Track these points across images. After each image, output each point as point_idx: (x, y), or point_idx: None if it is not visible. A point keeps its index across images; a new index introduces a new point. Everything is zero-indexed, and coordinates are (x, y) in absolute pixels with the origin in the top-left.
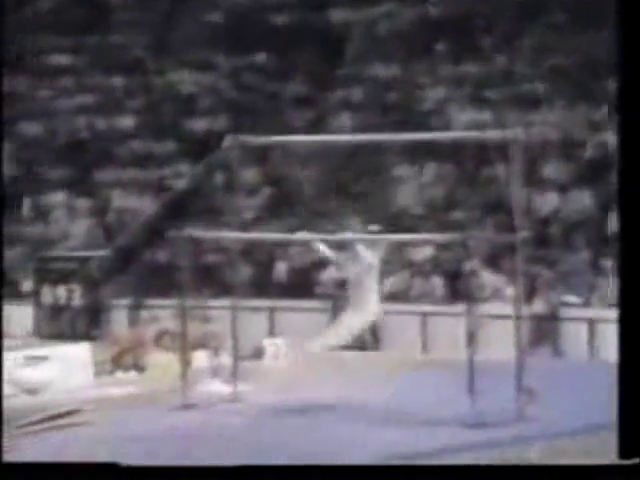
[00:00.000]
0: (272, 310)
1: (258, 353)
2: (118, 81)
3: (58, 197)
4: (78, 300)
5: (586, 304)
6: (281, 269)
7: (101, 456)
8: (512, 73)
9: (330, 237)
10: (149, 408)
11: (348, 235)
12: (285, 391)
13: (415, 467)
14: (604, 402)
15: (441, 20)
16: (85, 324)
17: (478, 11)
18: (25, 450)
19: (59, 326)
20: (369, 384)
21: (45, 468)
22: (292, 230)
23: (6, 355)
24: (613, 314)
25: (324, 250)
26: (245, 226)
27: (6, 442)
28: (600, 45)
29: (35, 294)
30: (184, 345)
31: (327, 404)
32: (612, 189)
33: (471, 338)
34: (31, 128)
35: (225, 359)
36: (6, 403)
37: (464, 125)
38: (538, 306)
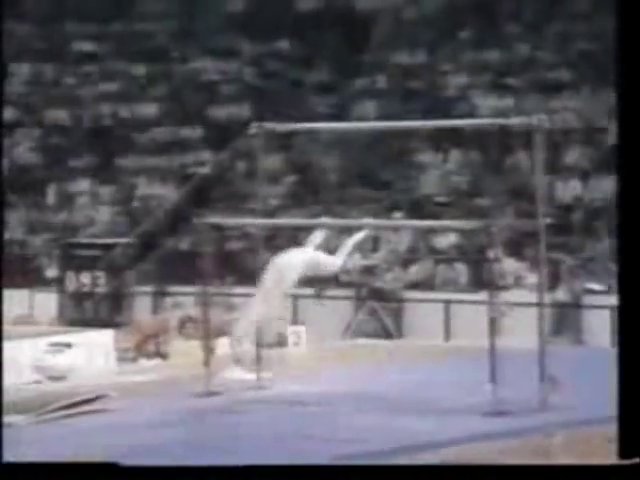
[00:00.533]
0: (295, 298)
1: (281, 341)
2: (141, 69)
3: (82, 184)
4: (102, 287)
5: (609, 291)
6: None
7: (123, 443)
8: (535, 60)
9: (352, 222)
10: (172, 395)
11: (370, 221)
12: (307, 379)
13: (415, 467)
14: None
15: (465, 7)
16: (109, 311)
17: None
18: (49, 437)
19: (83, 313)
20: (391, 372)
21: (45, 468)
22: (315, 217)
23: (31, 342)
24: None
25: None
26: (268, 213)
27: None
28: None
29: (59, 281)
30: (207, 332)
31: (349, 392)
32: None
33: (494, 326)
34: (56, 115)
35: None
36: (32, 389)
37: (487, 112)
38: (561, 294)
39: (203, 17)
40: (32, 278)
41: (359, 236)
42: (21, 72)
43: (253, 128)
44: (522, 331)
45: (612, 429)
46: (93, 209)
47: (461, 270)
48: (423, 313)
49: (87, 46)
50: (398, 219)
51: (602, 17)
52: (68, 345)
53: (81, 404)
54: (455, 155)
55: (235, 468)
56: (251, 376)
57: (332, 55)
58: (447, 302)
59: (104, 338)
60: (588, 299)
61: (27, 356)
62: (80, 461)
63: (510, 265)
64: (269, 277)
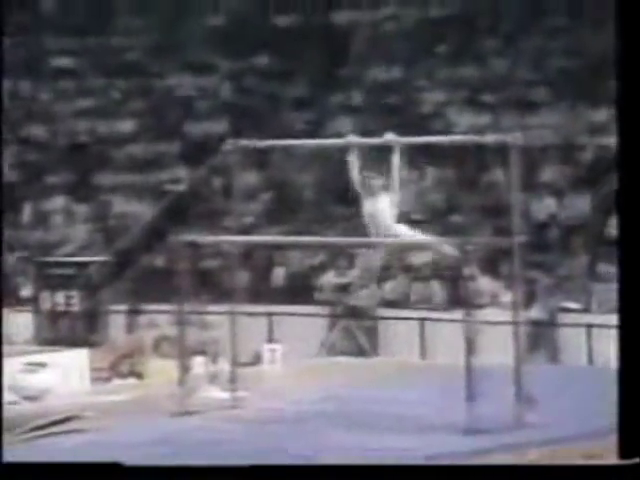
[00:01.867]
0: (270, 315)
1: (257, 359)
2: (118, 84)
3: (58, 202)
4: (77, 306)
5: (585, 310)
6: (280, 274)
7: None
8: (511, 76)
9: (330, 240)
10: (147, 415)
11: (347, 239)
12: (283, 397)
13: (415, 467)
14: (603, 408)
15: (442, 22)
16: (84, 330)
17: (478, 14)
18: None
19: (58, 332)
20: (367, 390)
21: (45, 468)
22: (292, 235)
23: (6, 362)
24: (612, 320)
25: None
26: (244, 231)
27: (6, 448)
28: (600, 47)
29: (34, 300)
30: (182, 351)
31: (324, 410)
32: (611, 193)
33: (469, 344)
34: (32, 131)
35: (224, 365)
36: (6, 410)
37: (464, 129)
38: (536, 312)
39: (180, 32)
40: (7, 297)
41: None
42: None
43: (229, 144)
44: (498, 349)
45: (588, 445)
46: (69, 227)
47: (436, 288)
48: (398, 331)
49: (64, 61)
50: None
51: (579, 33)
52: (43, 365)
53: (56, 424)
54: (431, 172)
55: (235, 468)
56: (226, 395)
57: (309, 70)
58: (422, 320)
59: (79, 358)
60: (564, 317)
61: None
62: (80, 461)
63: (486, 283)
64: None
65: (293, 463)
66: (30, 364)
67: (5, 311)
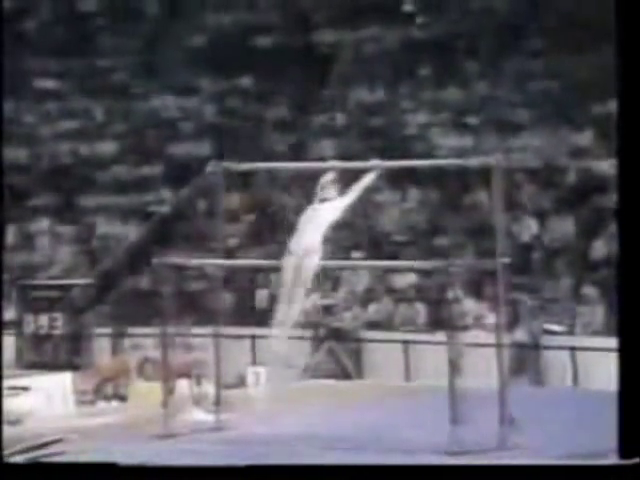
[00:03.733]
0: (254, 338)
1: (241, 381)
2: (101, 106)
3: (41, 224)
4: (61, 329)
5: (568, 332)
6: (263, 296)
7: None
8: (493, 99)
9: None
10: (131, 437)
11: (330, 262)
12: (267, 420)
13: (415, 467)
14: (586, 430)
15: (424, 45)
16: (68, 353)
17: (461, 36)
18: None
19: (41, 355)
20: (351, 413)
21: (45, 468)
22: (275, 257)
23: None
24: (595, 342)
25: None
26: (228, 253)
27: None
28: (581, 70)
29: (17, 323)
30: (166, 374)
31: (309, 433)
32: (594, 215)
33: (453, 366)
34: (15, 154)
35: (208, 387)
36: None
37: (446, 150)
38: (520, 334)
39: (164, 53)
40: None
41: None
42: None
43: (212, 166)
44: (482, 371)
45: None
46: (52, 249)
47: (420, 310)
48: (383, 353)
49: (47, 83)
50: (357, 259)
51: (560, 56)
52: (25, 389)
53: (39, 447)
54: (414, 194)
55: (235, 468)
56: (210, 417)
57: (291, 92)
58: (406, 342)
59: (63, 381)
60: (548, 340)
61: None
62: (80, 461)
63: (470, 305)
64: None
65: (293, 463)
66: (12, 388)
67: None
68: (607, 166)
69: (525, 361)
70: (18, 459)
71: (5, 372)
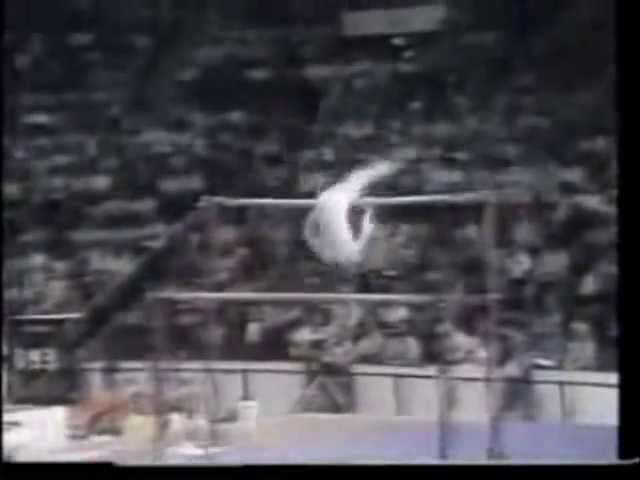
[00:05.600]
0: (246, 372)
1: (232, 415)
2: (94, 140)
3: (33, 259)
4: (52, 364)
5: (558, 367)
6: (255, 330)
7: None
8: (483, 134)
9: (304, 297)
10: None
11: (321, 295)
12: (258, 453)
13: (413, 467)
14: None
15: (413, 79)
16: (60, 388)
17: (450, 71)
18: None
19: (33, 390)
20: (341, 445)
21: (45, 468)
22: (266, 291)
23: None
24: (584, 377)
25: None
26: (219, 287)
27: None
28: (570, 107)
29: (8, 358)
30: (159, 408)
31: (300, 466)
32: (584, 251)
33: (444, 400)
34: (8, 188)
35: (199, 421)
36: None
37: (436, 185)
38: (511, 369)
39: (156, 88)
40: None
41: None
42: None
43: (204, 201)
44: (472, 405)
45: None
46: (44, 284)
47: (411, 344)
48: (374, 387)
49: (40, 118)
50: (347, 293)
51: (549, 92)
52: (17, 423)
53: None
54: (404, 229)
55: (235, 468)
56: (202, 451)
57: (282, 126)
58: (397, 376)
59: (54, 415)
60: (538, 374)
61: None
62: (80, 461)
63: (461, 340)
64: None
65: (293, 463)
66: (3, 423)
67: None
68: (596, 202)
69: (516, 395)
70: None
71: None
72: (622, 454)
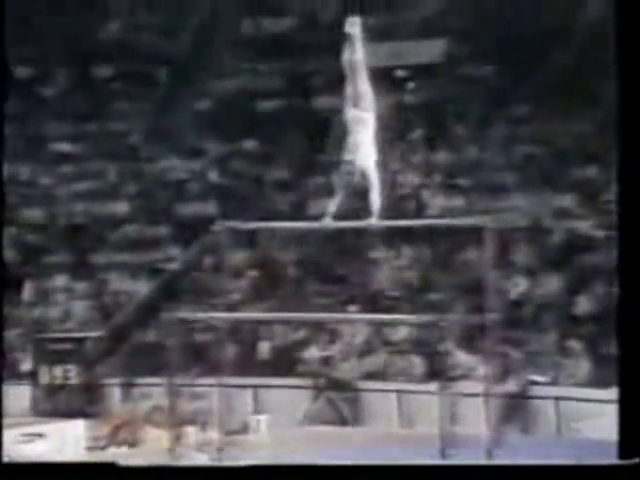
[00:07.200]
0: (256, 387)
1: (244, 428)
2: (114, 167)
3: (57, 280)
4: (74, 379)
5: (553, 383)
6: (265, 348)
7: None
8: (481, 162)
9: (313, 316)
10: None
11: (328, 315)
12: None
13: (414, 467)
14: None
15: (415, 109)
16: (80, 402)
17: (450, 102)
18: None
19: (55, 404)
20: (348, 457)
21: (45, 468)
22: (276, 311)
23: (4, 433)
24: (579, 392)
25: None
26: (232, 307)
27: None
28: (565, 136)
29: (33, 374)
30: (173, 421)
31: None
32: (578, 273)
33: (445, 415)
34: (33, 213)
35: (212, 434)
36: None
37: (438, 210)
38: (510, 385)
39: (172, 118)
40: (7, 372)
41: None
42: None
43: (218, 225)
44: (473, 420)
45: None
46: (67, 304)
47: (414, 362)
48: (379, 402)
49: (63, 146)
50: (353, 312)
51: (544, 122)
52: (40, 435)
53: None
54: (406, 251)
55: (235, 468)
56: (214, 462)
57: (292, 154)
58: (400, 392)
59: (75, 428)
60: (534, 390)
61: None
62: (80, 461)
63: (461, 357)
64: None
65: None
66: (27, 434)
67: (4, 384)
68: (589, 227)
69: (513, 410)
70: None
71: (21, 420)
72: (622, 454)
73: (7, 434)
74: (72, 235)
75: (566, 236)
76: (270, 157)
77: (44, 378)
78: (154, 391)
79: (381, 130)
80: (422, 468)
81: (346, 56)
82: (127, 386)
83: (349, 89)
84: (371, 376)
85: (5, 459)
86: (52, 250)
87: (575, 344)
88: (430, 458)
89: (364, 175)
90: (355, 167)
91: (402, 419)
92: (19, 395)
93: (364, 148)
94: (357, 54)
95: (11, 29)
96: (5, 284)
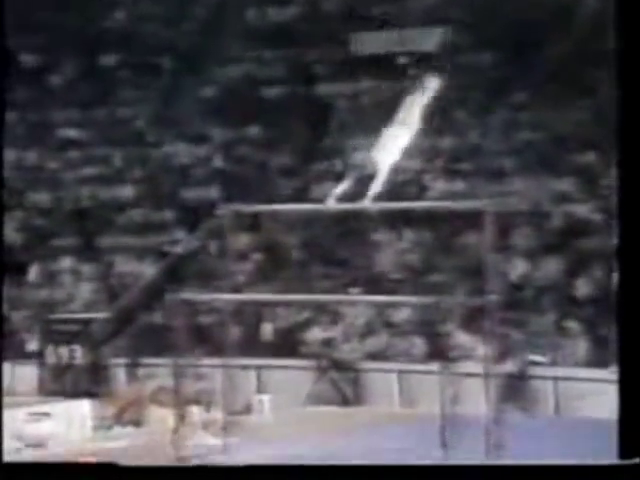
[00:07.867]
0: (260, 368)
1: (247, 408)
2: (120, 153)
3: (63, 263)
4: (80, 359)
5: (552, 363)
6: (269, 329)
7: None
8: (482, 147)
9: (314, 298)
10: (144, 461)
11: (330, 297)
12: (271, 444)
13: (413, 467)
14: (569, 456)
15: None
16: (86, 382)
17: (452, 89)
18: None
19: (62, 384)
20: (347, 437)
21: (45, 468)
22: (280, 293)
23: (11, 412)
24: (577, 372)
25: None
26: (236, 289)
27: None
28: (564, 122)
29: (39, 354)
30: (178, 401)
31: (310, 455)
32: (577, 256)
33: (446, 394)
34: (39, 197)
35: (216, 414)
36: (12, 457)
37: (439, 195)
38: (509, 365)
39: (177, 105)
40: (14, 352)
41: None
42: (6, 158)
43: (222, 209)
44: (473, 399)
45: None
46: (73, 286)
47: (416, 342)
48: (380, 382)
49: (70, 132)
50: (355, 294)
51: (544, 108)
52: (47, 414)
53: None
54: (408, 234)
55: (235, 468)
56: (218, 441)
57: (295, 140)
58: (402, 372)
59: (81, 407)
60: (533, 370)
61: (8, 425)
62: (80, 461)
63: (462, 338)
64: None
65: (293, 463)
66: (34, 413)
67: (11, 364)
68: (588, 210)
69: (513, 390)
70: None
71: (27, 399)
72: (622, 454)
73: (14, 413)
74: (78, 218)
75: (565, 220)
76: (274, 143)
77: (51, 359)
78: (159, 371)
79: (383, 115)
80: (422, 468)
81: None
82: (132, 366)
83: None
84: (373, 357)
85: (5, 459)
86: (59, 233)
87: (573, 325)
88: (431, 436)
89: (373, 161)
90: (367, 153)
91: (403, 399)
92: (26, 375)
93: (375, 134)
94: None
95: (19, 19)
96: (10, 266)
